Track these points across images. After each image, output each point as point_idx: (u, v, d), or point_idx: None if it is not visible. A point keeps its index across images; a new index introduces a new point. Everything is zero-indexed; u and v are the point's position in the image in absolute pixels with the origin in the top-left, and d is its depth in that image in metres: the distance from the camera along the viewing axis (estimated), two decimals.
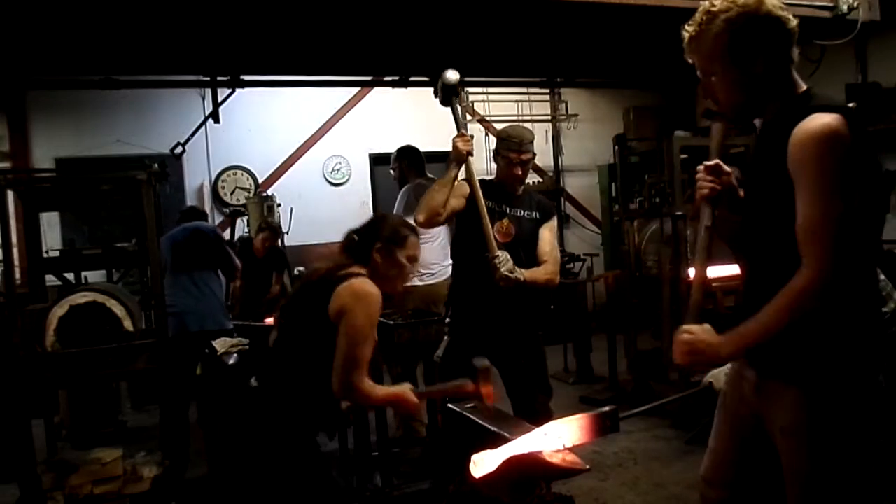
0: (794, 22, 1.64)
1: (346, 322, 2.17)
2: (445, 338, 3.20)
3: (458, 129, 3.12)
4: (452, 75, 3.14)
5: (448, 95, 3.15)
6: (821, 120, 1.52)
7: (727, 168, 1.82)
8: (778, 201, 1.58)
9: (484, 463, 1.42)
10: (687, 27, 1.70)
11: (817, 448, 1.59)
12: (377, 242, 2.34)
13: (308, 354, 2.25)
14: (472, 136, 3.13)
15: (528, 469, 1.44)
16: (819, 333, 1.58)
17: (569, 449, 1.44)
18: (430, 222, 3.06)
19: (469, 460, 1.46)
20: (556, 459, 1.42)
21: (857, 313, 1.60)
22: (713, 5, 1.65)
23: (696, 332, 1.68)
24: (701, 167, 1.82)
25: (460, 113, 3.20)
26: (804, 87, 1.67)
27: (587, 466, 1.43)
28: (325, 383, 2.21)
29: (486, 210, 2.99)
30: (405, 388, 2.35)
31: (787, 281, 1.54)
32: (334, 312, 2.19)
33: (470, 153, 3.05)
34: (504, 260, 2.93)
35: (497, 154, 3.20)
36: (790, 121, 1.56)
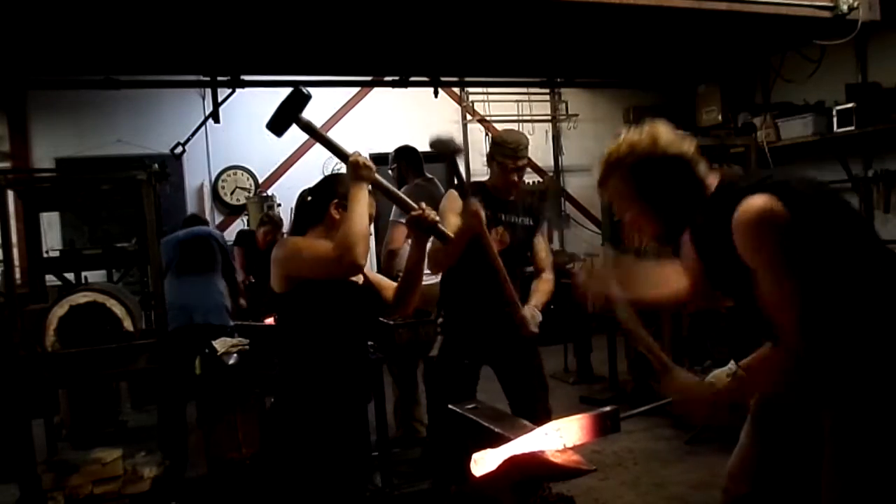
0: (689, 148, 1.75)
1: (293, 270, 2.17)
2: (439, 337, 3.21)
3: (477, 192, 3.02)
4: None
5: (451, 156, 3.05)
6: (752, 203, 1.60)
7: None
8: (745, 283, 1.66)
9: (485, 462, 1.41)
10: (594, 173, 1.85)
11: (848, 471, 1.65)
12: (334, 199, 2.29)
13: (297, 334, 2.25)
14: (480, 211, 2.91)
15: (530, 469, 1.44)
16: (846, 361, 1.64)
17: (571, 449, 1.44)
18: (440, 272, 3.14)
19: (469, 461, 1.45)
20: (560, 459, 1.42)
21: (879, 331, 1.63)
22: (612, 154, 1.78)
23: (683, 388, 1.83)
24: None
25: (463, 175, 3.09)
26: (716, 181, 1.77)
27: (593, 467, 1.44)
28: (328, 349, 2.22)
29: (500, 262, 2.93)
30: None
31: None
32: (276, 283, 2.20)
33: (484, 230, 2.90)
34: (531, 317, 2.99)
35: (491, 159, 3.15)
36: (722, 214, 1.65)
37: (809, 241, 1.59)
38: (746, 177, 1.79)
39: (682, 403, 1.82)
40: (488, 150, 3.26)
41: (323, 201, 2.31)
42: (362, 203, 2.16)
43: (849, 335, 1.64)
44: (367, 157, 2.26)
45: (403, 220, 2.38)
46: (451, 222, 2.94)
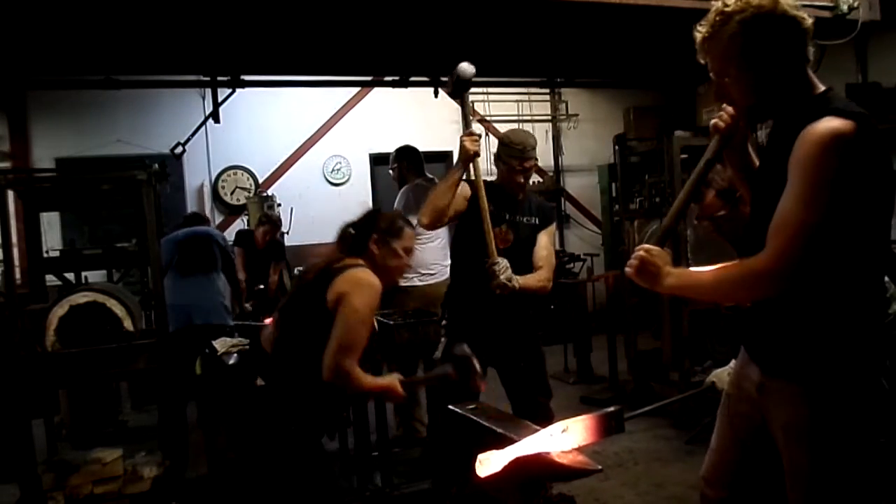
0: (809, 21, 1.61)
1: (343, 306, 2.18)
2: (443, 339, 3.19)
3: (467, 127, 3.03)
4: (468, 69, 3.01)
5: (460, 90, 3.05)
6: (830, 124, 1.49)
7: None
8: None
9: (490, 462, 1.41)
10: (699, 28, 1.66)
11: (818, 447, 1.59)
12: (374, 234, 2.36)
13: (308, 349, 2.25)
14: (480, 135, 3.03)
15: (536, 470, 1.44)
16: (824, 333, 1.58)
17: (576, 449, 1.43)
18: (434, 224, 3.01)
19: (472, 462, 1.45)
20: (566, 460, 1.41)
21: (862, 315, 1.59)
22: (726, 5, 1.61)
23: (654, 253, 1.70)
24: (727, 109, 1.79)
25: (470, 109, 3.10)
26: (822, 88, 1.64)
27: (599, 467, 1.43)
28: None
29: (488, 214, 2.93)
30: (393, 379, 2.35)
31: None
32: (332, 300, 2.20)
33: (477, 153, 2.96)
34: (503, 267, 2.88)
35: (498, 159, 3.13)
36: (802, 121, 1.54)
37: (856, 193, 1.50)
38: (845, 101, 1.63)
39: (637, 259, 1.70)
40: (495, 149, 3.24)
41: (364, 236, 2.39)
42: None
43: (839, 308, 1.57)
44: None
45: None
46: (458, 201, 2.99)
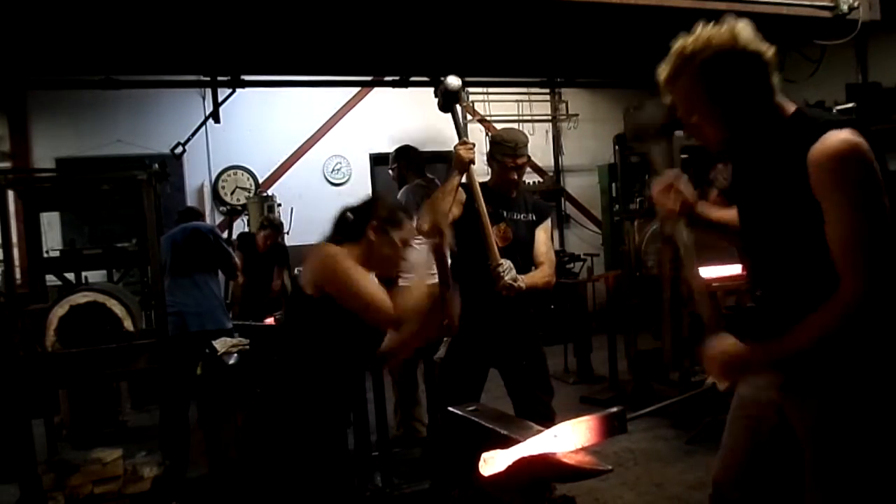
0: (770, 52, 1.62)
1: (332, 287, 2.15)
2: (445, 339, 3.20)
3: (460, 137, 3.09)
4: (454, 81, 3.08)
5: (449, 102, 3.11)
6: (838, 136, 1.50)
7: (683, 183, 1.85)
8: (799, 224, 1.57)
9: (495, 462, 1.40)
10: (661, 70, 1.68)
11: (844, 448, 1.60)
12: (373, 220, 2.28)
13: (305, 337, 2.24)
14: (473, 144, 3.08)
15: (542, 471, 1.43)
16: (840, 347, 1.58)
17: (583, 449, 1.43)
18: (434, 231, 3.02)
19: (474, 463, 1.45)
20: (574, 460, 1.41)
21: (882, 325, 1.59)
22: (686, 46, 1.62)
23: (723, 348, 1.68)
24: (656, 187, 1.83)
25: (461, 119, 3.15)
26: (792, 108, 1.65)
27: (609, 467, 1.42)
28: (330, 362, 2.21)
29: (487, 217, 2.97)
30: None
31: (809, 293, 1.55)
32: (308, 285, 2.18)
33: (472, 161, 3.01)
34: (507, 269, 2.93)
35: (491, 158, 3.16)
36: (797, 143, 1.54)
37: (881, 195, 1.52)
38: (821, 113, 1.67)
39: (716, 364, 1.69)
40: (487, 149, 3.26)
41: (362, 222, 2.30)
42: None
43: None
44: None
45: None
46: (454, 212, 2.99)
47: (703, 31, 1.61)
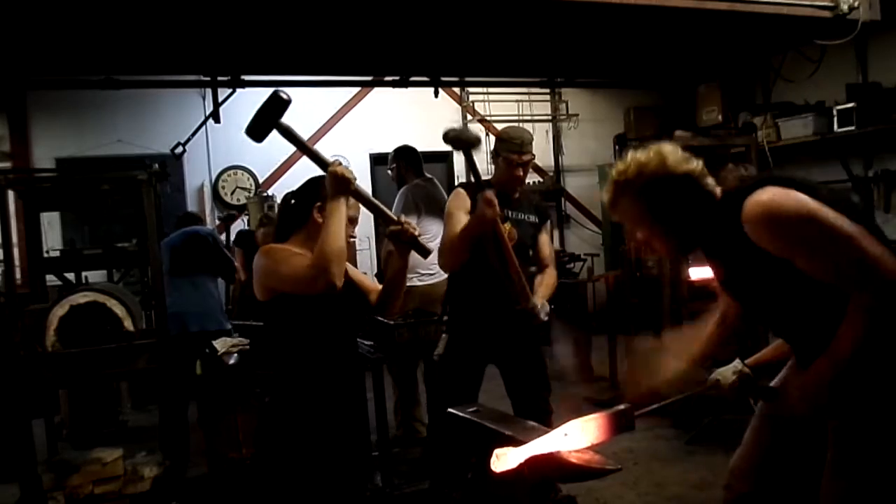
0: (697, 166, 1.74)
1: (270, 285, 2.16)
2: (444, 336, 3.20)
3: (477, 178, 2.99)
4: (471, 134, 3.09)
5: (466, 148, 3.00)
6: (756, 198, 1.61)
7: None
8: (779, 278, 1.64)
9: (507, 458, 1.40)
10: (604, 197, 1.84)
11: (863, 454, 1.64)
12: (317, 202, 2.26)
13: (284, 339, 2.24)
14: (497, 202, 2.85)
15: (551, 470, 1.43)
16: (865, 350, 1.60)
17: (591, 449, 1.43)
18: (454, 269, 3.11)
19: (474, 464, 1.44)
20: (583, 460, 1.41)
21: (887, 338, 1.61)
22: (619, 176, 1.76)
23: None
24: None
25: (476, 166, 3.00)
26: (718, 190, 1.76)
27: (618, 466, 1.43)
28: (316, 353, 2.23)
29: (514, 256, 2.92)
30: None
31: (824, 324, 1.61)
32: (259, 293, 2.19)
33: (495, 219, 2.85)
34: (542, 307, 2.99)
35: (497, 155, 3.14)
36: (731, 222, 1.65)
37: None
38: (746, 179, 1.79)
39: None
40: (493, 146, 3.25)
41: (306, 204, 2.29)
42: (338, 220, 2.11)
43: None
44: (347, 168, 2.22)
45: (391, 229, 2.32)
46: (461, 220, 2.97)
47: (634, 158, 1.75)
